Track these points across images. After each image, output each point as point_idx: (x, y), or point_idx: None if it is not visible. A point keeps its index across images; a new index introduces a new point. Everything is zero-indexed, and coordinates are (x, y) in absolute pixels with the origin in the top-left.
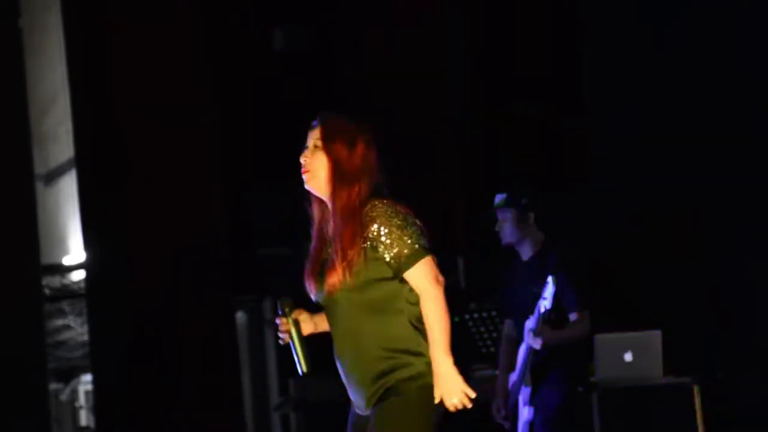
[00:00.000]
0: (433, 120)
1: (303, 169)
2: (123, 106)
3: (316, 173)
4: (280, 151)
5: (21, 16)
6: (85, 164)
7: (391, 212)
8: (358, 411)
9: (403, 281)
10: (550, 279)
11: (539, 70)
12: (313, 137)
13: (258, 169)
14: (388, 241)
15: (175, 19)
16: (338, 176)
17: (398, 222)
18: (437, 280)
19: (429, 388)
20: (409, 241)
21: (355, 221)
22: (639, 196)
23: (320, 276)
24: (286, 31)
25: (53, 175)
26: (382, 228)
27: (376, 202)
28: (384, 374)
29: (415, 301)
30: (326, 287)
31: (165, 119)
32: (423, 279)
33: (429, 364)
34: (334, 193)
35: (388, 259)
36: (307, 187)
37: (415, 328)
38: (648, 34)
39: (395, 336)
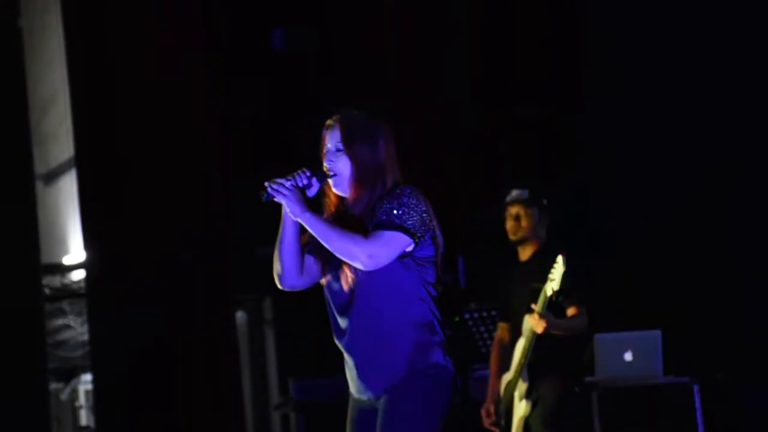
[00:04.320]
0: (433, 120)
1: (331, 174)
2: (123, 106)
3: (342, 176)
4: (279, 151)
5: (21, 16)
6: (85, 164)
7: (410, 192)
8: (361, 396)
9: (421, 266)
10: (560, 259)
11: (539, 71)
12: (333, 138)
13: (258, 169)
14: (385, 204)
15: (175, 18)
16: (361, 176)
17: (406, 200)
18: (377, 256)
19: (443, 378)
20: (397, 212)
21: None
22: (639, 196)
23: (336, 263)
24: (286, 31)
25: (53, 175)
26: (392, 199)
27: (404, 186)
28: (403, 360)
29: (434, 293)
30: (342, 276)
31: (165, 119)
32: (376, 245)
33: (445, 354)
34: (356, 193)
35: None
36: (335, 190)
37: (435, 317)
38: (648, 34)
39: (417, 323)
